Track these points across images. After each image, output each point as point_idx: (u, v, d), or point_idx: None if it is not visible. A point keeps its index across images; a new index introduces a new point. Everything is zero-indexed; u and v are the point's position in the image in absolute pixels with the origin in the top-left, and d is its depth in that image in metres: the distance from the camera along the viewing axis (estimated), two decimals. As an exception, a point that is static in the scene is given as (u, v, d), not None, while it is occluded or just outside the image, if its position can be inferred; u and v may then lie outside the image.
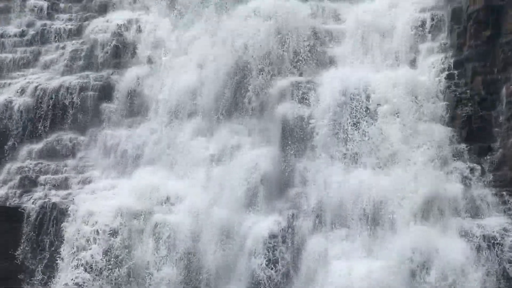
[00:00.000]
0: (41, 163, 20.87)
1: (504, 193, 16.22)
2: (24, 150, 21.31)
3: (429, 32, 19.60)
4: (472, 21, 17.99)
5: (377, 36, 20.28)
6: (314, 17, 21.66)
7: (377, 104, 18.10)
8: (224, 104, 20.40)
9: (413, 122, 17.60)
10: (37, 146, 21.32)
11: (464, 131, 17.36)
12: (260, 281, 16.88)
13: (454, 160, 17.01)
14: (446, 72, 18.34)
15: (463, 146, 17.14)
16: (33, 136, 21.59)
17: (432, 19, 19.72)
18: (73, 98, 21.82)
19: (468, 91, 17.71)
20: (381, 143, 17.72)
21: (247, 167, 18.52)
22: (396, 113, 17.84)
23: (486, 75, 17.53)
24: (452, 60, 18.45)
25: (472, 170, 16.69)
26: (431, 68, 18.68)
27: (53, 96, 21.84)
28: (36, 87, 22.16)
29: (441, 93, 18.01)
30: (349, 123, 18.19)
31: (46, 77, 22.68)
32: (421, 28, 19.76)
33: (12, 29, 24.83)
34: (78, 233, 17.93)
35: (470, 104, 17.51)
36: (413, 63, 19.28)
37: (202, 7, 23.00)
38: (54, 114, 21.76)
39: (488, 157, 16.90)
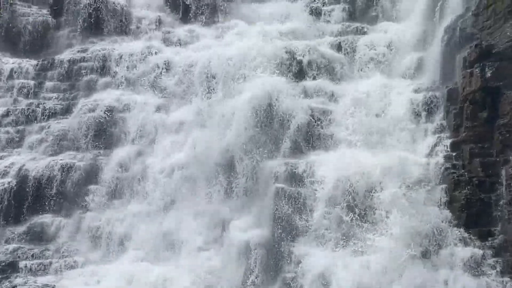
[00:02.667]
0: (23, 247, 20.75)
1: (506, 279, 16.08)
2: (6, 233, 21.24)
3: (425, 113, 19.88)
4: (469, 102, 18.19)
5: (372, 117, 20.56)
6: (307, 97, 22.05)
7: (372, 188, 18.21)
8: (215, 186, 20.56)
9: (410, 206, 17.67)
10: (19, 229, 21.27)
11: (463, 214, 17.25)
12: None
13: (453, 245, 16.93)
14: (443, 154, 18.46)
15: (462, 230, 17.06)
16: (15, 219, 21.57)
17: (428, 100, 20.00)
18: (57, 179, 21.91)
19: (466, 173, 17.70)
20: (377, 227, 17.77)
21: (238, 249, 18.52)
22: (392, 197, 17.91)
23: (484, 157, 17.56)
24: (449, 142, 18.60)
25: (472, 256, 16.53)
26: (427, 150, 18.88)
27: (37, 177, 21.94)
28: (20, 168, 22.28)
29: (439, 175, 18.11)
30: (345, 207, 18.26)
31: (31, 158, 22.82)
32: (416, 109, 20.04)
33: (-3, 108, 25.18)
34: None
35: (468, 187, 17.44)
36: (409, 145, 19.48)
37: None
38: (38, 196, 21.80)
39: (489, 242, 16.74)
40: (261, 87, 21.67)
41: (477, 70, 17.99)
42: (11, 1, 29.06)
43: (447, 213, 17.44)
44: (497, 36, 18.19)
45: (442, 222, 17.17)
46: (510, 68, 17.63)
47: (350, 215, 17.99)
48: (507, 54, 17.72)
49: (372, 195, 18.07)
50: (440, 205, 17.73)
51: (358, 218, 17.94)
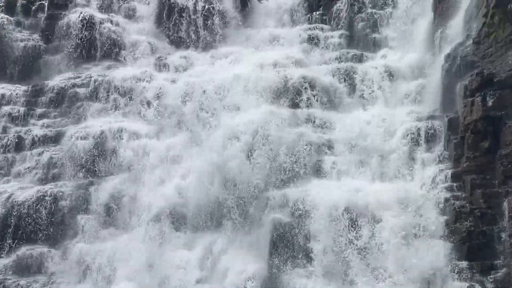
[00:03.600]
0: (9, 279, 20.57)
1: (510, 316, 16.00)
2: (-8, 263, 21.14)
3: (425, 142, 19.87)
4: (470, 131, 18.17)
5: (370, 146, 20.53)
6: (304, 126, 22.08)
7: (371, 219, 18.15)
8: (208, 215, 20.48)
9: (410, 238, 17.59)
10: (6, 261, 21.08)
11: (464, 247, 17.13)
12: None
13: (454, 279, 16.84)
14: (444, 185, 18.37)
15: (463, 263, 16.95)
16: (2, 249, 21.41)
17: (428, 129, 20.00)
18: (46, 209, 21.79)
19: (467, 205, 17.59)
20: (377, 260, 17.67)
21: (232, 282, 18.41)
22: (392, 228, 17.83)
23: (486, 188, 17.47)
24: (449, 172, 18.53)
25: (474, 290, 16.51)
26: (427, 180, 18.78)
27: (26, 207, 21.81)
28: (8, 197, 22.15)
29: (439, 207, 18.03)
30: (343, 237, 18.17)
31: (19, 186, 22.70)
32: (416, 138, 20.02)
33: (-16, 136, 25.05)
34: None
35: (470, 218, 17.33)
36: (408, 175, 19.45)
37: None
38: (26, 226, 21.65)
39: (491, 276, 16.58)
40: (257, 115, 21.72)
41: (478, 99, 17.99)
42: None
43: (448, 245, 17.36)
44: (498, 64, 18.24)
45: (443, 255, 17.14)
46: (512, 96, 17.68)
47: (348, 249, 17.93)
48: (509, 83, 17.74)
49: (371, 228, 18.05)
50: (441, 237, 17.65)
51: (360, 248, 17.88)
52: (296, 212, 19.14)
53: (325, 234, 18.41)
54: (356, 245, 17.98)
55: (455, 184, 18.27)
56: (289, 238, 18.84)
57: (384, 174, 19.95)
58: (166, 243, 20.54)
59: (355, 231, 18.18)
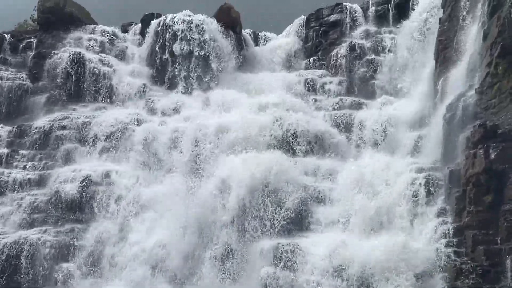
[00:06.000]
0: (-14, 330, 20.42)
1: None
2: (-30, 312, 20.89)
3: (425, 195, 19.80)
4: (472, 185, 18.10)
5: (368, 198, 20.52)
6: (300, 174, 22.05)
7: (369, 275, 18.04)
8: (198, 265, 20.34)
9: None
10: (-16, 308, 20.92)
11: (466, 307, 17.12)
12: None
13: None
14: (444, 240, 18.27)
15: (464, 324, 16.88)
16: (-21, 297, 21.23)
17: (429, 181, 19.96)
18: (28, 255, 21.57)
19: (469, 261, 17.43)
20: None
21: None
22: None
23: (489, 244, 17.32)
24: (450, 227, 18.45)
25: None
26: (427, 235, 18.69)
27: (6, 253, 21.60)
28: (-12, 243, 21.99)
29: (439, 263, 17.90)
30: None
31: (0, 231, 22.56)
32: (416, 191, 19.95)
33: (-36, 179, 24.90)
34: None
35: (472, 276, 17.19)
36: (407, 229, 19.33)
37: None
38: (7, 273, 21.38)
39: (493, 338, 16.56)
40: (250, 162, 21.71)
41: (481, 151, 17.95)
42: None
43: (448, 305, 17.27)
44: (502, 115, 18.25)
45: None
46: (516, 150, 17.66)
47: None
48: (513, 135, 17.79)
49: (368, 282, 17.95)
50: (441, 295, 17.55)
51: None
52: (290, 266, 19.02)
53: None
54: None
55: (456, 240, 18.19)
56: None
57: (381, 227, 19.84)
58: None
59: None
